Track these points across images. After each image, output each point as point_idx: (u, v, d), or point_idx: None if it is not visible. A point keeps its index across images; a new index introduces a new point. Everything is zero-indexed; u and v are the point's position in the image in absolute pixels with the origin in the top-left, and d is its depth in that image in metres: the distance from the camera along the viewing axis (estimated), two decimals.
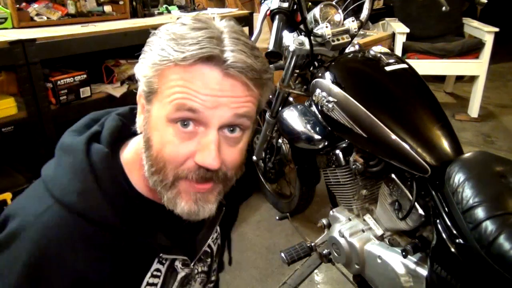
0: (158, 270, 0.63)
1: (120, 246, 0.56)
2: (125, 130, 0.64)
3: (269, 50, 1.04)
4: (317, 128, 1.23)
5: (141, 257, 0.60)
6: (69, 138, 0.61)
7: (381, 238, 1.14)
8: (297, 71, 1.40)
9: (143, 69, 0.54)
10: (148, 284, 0.61)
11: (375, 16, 3.78)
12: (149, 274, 0.61)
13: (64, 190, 0.55)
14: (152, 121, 0.54)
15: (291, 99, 1.58)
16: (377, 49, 1.18)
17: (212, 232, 0.74)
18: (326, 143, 1.22)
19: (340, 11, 1.29)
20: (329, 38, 1.22)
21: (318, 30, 1.24)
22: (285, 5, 1.09)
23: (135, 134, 0.63)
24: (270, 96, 1.77)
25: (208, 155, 0.52)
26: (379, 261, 1.10)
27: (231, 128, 0.55)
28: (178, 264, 0.67)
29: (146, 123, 0.56)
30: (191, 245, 0.69)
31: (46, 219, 0.53)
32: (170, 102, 0.52)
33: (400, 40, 3.09)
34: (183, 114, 0.51)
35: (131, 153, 0.62)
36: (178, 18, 0.56)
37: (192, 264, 0.70)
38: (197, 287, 0.75)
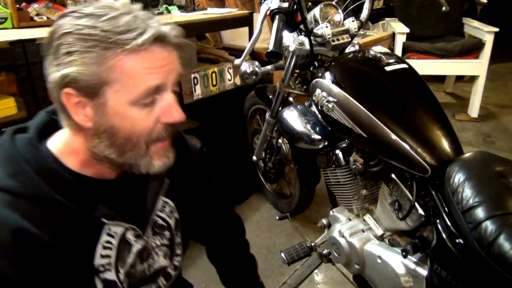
0: (109, 242, 0.66)
1: (60, 220, 0.60)
2: (53, 124, 0.68)
3: (269, 50, 1.04)
4: (317, 128, 1.23)
5: (85, 229, 0.63)
6: None
7: (381, 238, 1.14)
8: (297, 71, 1.40)
9: (78, 67, 0.56)
10: (102, 256, 0.64)
11: (375, 16, 3.78)
12: (99, 246, 0.64)
13: None
14: (111, 109, 0.58)
15: (291, 99, 1.58)
16: (377, 49, 1.18)
17: (156, 203, 0.76)
18: (326, 143, 1.22)
19: (340, 11, 1.29)
20: (329, 38, 1.22)
21: (318, 30, 1.24)
22: (285, 5, 1.09)
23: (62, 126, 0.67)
24: (270, 96, 1.78)
25: (176, 113, 0.61)
26: (379, 261, 1.10)
27: (173, 89, 0.63)
28: (130, 237, 0.69)
29: (101, 115, 0.59)
30: (139, 217, 0.72)
31: None
32: (137, 88, 0.57)
33: (400, 40, 3.09)
34: (152, 96, 0.59)
35: (60, 143, 0.65)
36: (67, 12, 0.58)
37: (146, 236, 0.73)
38: (162, 260, 0.77)
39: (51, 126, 0.68)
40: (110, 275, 0.66)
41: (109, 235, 0.66)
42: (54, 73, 0.57)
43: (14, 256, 0.56)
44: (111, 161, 0.63)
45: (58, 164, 0.63)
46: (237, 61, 1.34)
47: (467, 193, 0.84)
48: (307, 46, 1.24)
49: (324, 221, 1.37)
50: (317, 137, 1.22)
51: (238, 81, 2.09)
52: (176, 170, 0.73)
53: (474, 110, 3.27)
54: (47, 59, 0.59)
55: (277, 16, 1.09)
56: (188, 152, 0.85)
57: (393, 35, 3.18)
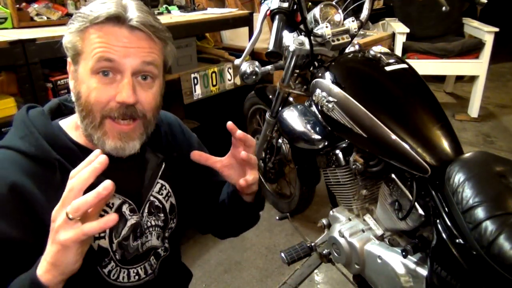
0: (105, 211, 0.71)
1: (58, 182, 0.64)
2: (64, 109, 0.78)
3: (269, 50, 1.04)
4: (317, 128, 1.23)
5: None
6: (14, 115, 0.74)
7: (381, 238, 1.14)
8: (297, 71, 1.40)
9: (68, 38, 0.67)
10: None
11: (375, 16, 3.78)
12: None
13: (8, 138, 0.68)
14: (80, 77, 0.67)
15: (291, 99, 1.58)
16: (377, 49, 1.18)
17: (153, 184, 0.80)
18: (326, 143, 1.22)
19: (340, 11, 1.29)
20: (329, 38, 1.22)
21: (318, 30, 1.24)
22: (285, 5, 1.09)
23: (71, 114, 0.75)
24: (270, 96, 1.78)
25: (125, 93, 0.65)
26: (379, 261, 1.10)
27: (144, 77, 0.69)
28: (125, 211, 0.75)
29: (75, 81, 0.68)
30: (136, 194, 0.77)
31: None
32: (92, 57, 0.64)
33: (400, 40, 3.09)
34: (102, 64, 0.65)
35: (69, 121, 0.74)
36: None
37: (141, 213, 0.77)
38: (154, 240, 0.81)
39: (61, 111, 0.77)
40: (104, 243, 0.72)
41: (106, 205, 0.71)
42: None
43: (9, 209, 0.61)
44: (84, 131, 0.69)
45: (63, 133, 0.71)
46: (237, 61, 1.34)
47: (467, 193, 0.84)
48: (307, 46, 1.24)
49: (324, 221, 1.37)
50: (317, 137, 1.22)
51: (238, 81, 2.09)
52: (170, 153, 0.81)
53: (474, 110, 3.27)
54: None
55: (277, 16, 1.09)
56: (175, 139, 0.87)
57: (393, 35, 3.18)
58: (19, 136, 0.67)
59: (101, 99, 0.66)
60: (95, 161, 0.54)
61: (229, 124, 0.73)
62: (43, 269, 0.55)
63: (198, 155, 0.76)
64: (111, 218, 0.52)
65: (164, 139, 0.83)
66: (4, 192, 0.61)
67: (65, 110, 0.78)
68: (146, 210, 0.79)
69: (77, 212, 0.51)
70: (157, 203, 0.81)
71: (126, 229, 0.75)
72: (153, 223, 0.80)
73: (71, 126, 0.73)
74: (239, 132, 0.72)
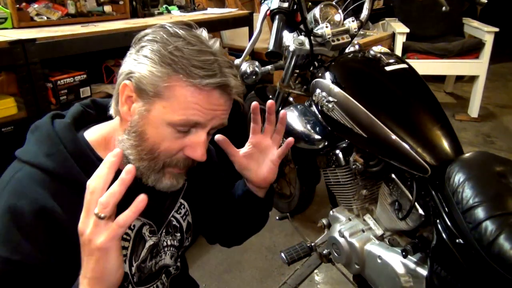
0: (127, 234, 0.70)
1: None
2: (87, 116, 0.74)
3: (269, 50, 1.04)
4: (317, 128, 1.23)
5: None
6: (35, 123, 0.70)
7: (381, 238, 1.14)
8: (297, 71, 1.40)
9: (146, 71, 0.61)
10: None
11: (375, 16, 3.78)
12: None
13: (33, 155, 0.63)
14: (151, 118, 0.63)
15: (291, 99, 1.58)
16: (377, 49, 1.18)
17: (175, 204, 0.79)
18: (326, 143, 1.22)
19: (340, 11, 1.28)
20: (329, 38, 1.22)
21: (318, 30, 1.24)
22: (285, 5, 1.09)
23: (95, 120, 0.73)
24: (270, 96, 1.77)
25: (200, 152, 0.65)
26: (379, 261, 1.10)
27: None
28: (145, 232, 0.73)
29: (141, 118, 0.64)
30: (157, 215, 0.76)
31: (18, 176, 0.62)
32: (180, 114, 0.61)
33: (400, 40, 3.09)
34: (189, 125, 0.63)
35: (96, 135, 0.70)
36: (170, 25, 0.65)
37: (160, 233, 0.77)
38: (167, 260, 0.80)
39: (85, 118, 0.74)
40: (124, 267, 0.68)
41: (128, 227, 0.67)
42: (128, 64, 0.64)
43: (34, 233, 0.58)
44: (127, 160, 0.66)
45: (91, 151, 0.67)
46: (237, 61, 1.34)
47: (467, 193, 0.84)
48: (307, 46, 1.24)
49: (324, 221, 1.37)
50: (317, 137, 1.22)
51: None
52: (192, 173, 0.76)
53: (474, 110, 3.27)
54: (130, 49, 0.66)
55: (277, 16, 1.09)
56: (210, 159, 0.86)
57: (393, 35, 3.18)
58: (45, 153, 0.63)
59: (171, 151, 0.65)
60: (109, 155, 0.52)
61: (270, 103, 0.76)
62: None
63: (222, 139, 0.76)
64: (140, 198, 0.50)
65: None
66: (32, 215, 0.58)
67: (88, 117, 0.74)
68: (164, 230, 0.78)
69: (106, 207, 0.49)
70: (175, 222, 0.80)
71: (145, 251, 0.73)
72: (169, 243, 0.79)
73: (99, 143, 0.69)
74: (283, 112, 0.77)
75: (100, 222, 0.49)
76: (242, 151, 0.80)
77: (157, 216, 0.75)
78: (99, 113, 0.76)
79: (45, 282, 0.59)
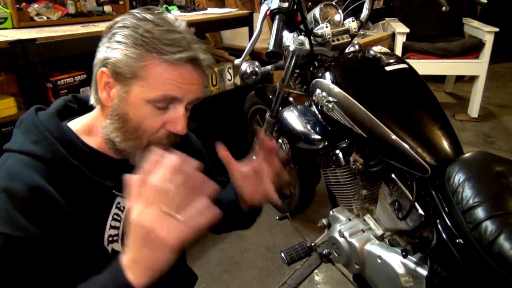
0: (117, 215, 0.72)
1: (75, 186, 0.66)
2: (69, 110, 0.78)
3: (269, 50, 1.04)
4: (317, 128, 1.23)
5: (98, 198, 0.69)
6: (20, 117, 0.72)
7: (381, 238, 1.14)
8: (297, 71, 1.40)
9: (124, 59, 0.65)
10: (111, 227, 0.71)
11: (375, 16, 3.78)
12: (110, 217, 0.71)
13: (20, 144, 0.66)
14: (130, 100, 0.66)
15: (291, 99, 1.58)
16: (377, 49, 1.18)
17: None
18: (326, 143, 1.22)
19: (340, 11, 1.28)
20: (329, 38, 1.22)
21: (318, 30, 1.24)
22: (285, 5, 1.09)
23: (78, 114, 0.77)
24: (270, 96, 1.78)
25: (180, 126, 0.68)
26: (379, 261, 1.10)
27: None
28: None
29: (121, 101, 0.67)
30: None
31: (7, 163, 0.64)
32: (157, 90, 0.65)
33: (400, 40, 3.09)
34: (167, 100, 0.66)
35: (79, 125, 0.73)
36: (137, 12, 0.69)
37: None
38: None
39: (68, 111, 0.77)
40: (117, 246, 0.72)
41: (118, 208, 0.72)
42: (102, 52, 0.68)
43: (30, 210, 0.60)
44: (113, 144, 0.69)
45: (76, 137, 0.70)
46: (237, 61, 1.34)
47: (467, 193, 0.84)
48: (307, 46, 1.24)
49: (324, 221, 1.37)
50: (317, 137, 1.22)
51: (238, 81, 2.09)
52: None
53: (474, 110, 3.27)
54: (102, 39, 0.69)
55: (277, 16, 1.09)
56: (191, 146, 0.91)
57: (393, 35, 3.18)
58: (32, 141, 0.66)
59: (153, 128, 0.67)
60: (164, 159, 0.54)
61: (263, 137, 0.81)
62: (138, 274, 0.53)
63: (225, 153, 0.78)
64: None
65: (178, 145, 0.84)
66: (25, 193, 0.61)
67: (70, 110, 0.78)
68: None
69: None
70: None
71: None
72: None
73: (83, 130, 0.72)
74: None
75: (174, 221, 0.52)
76: (242, 169, 0.81)
77: None
78: (81, 107, 0.79)
79: (46, 257, 0.61)
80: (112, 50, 0.66)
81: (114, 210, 0.71)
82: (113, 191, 0.71)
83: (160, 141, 0.69)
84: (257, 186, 0.81)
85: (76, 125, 0.73)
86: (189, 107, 0.72)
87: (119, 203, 0.72)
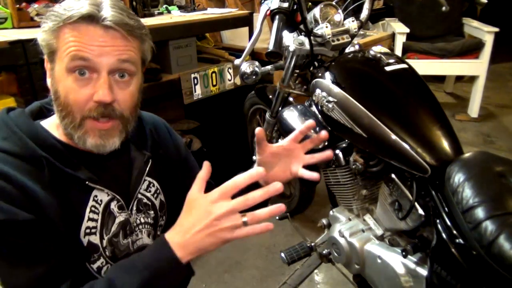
0: (95, 207, 0.73)
1: (48, 178, 0.67)
2: (46, 111, 0.78)
3: (269, 50, 1.04)
4: (317, 128, 1.23)
5: (74, 190, 0.70)
6: None
7: (381, 238, 1.14)
8: (297, 71, 1.40)
9: (43, 36, 0.68)
10: (89, 219, 0.72)
11: (375, 16, 3.77)
12: (88, 209, 0.72)
13: None
14: (56, 75, 0.67)
15: (291, 99, 1.58)
16: (377, 49, 1.18)
17: (141, 181, 0.81)
18: (326, 143, 1.22)
19: (340, 11, 1.28)
20: (329, 38, 1.22)
21: (318, 30, 1.24)
22: (285, 5, 1.09)
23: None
24: (270, 96, 1.78)
25: (102, 92, 0.66)
26: (379, 261, 1.10)
27: (121, 74, 0.69)
28: (114, 208, 0.76)
29: (52, 79, 0.69)
30: (124, 190, 0.78)
31: None
32: (66, 55, 0.65)
33: (400, 40, 3.09)
34: (77, 63, 0.65)
35: (50, 122, 0.74)
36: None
37: (130, 210, 0.79)
38: (145, 238, 0.82)
39: (42, 113, 0.77)
40: (95, 239, 0.73)
41: (95, 200, 0.73)
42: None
43: (12, 196, 0.62)
44: (64, 129, 0.70)
45: (46, 132, 0.71)
46: (237, 61, 1.34)
47: (467, 193, 0.84)
48: (307, 46, 1.24)
49: (324, 221, 1.37)
50: None
51: (238, 81, 2.09)
52: (156, 151, 0.83)
53: (474, 110, 3.27)
54: None
55: (277, 16, 1.09)
56: (156, 130, 0.90)
57: (393, 35, 3.18)
58: (2, 138, 0.67)
59: (80, 100, 0.67)
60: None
61: (323, 135, 0.90)
62: (186, 253, 0.62)
63: (261, 133, 0.82)
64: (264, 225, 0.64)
65: (149, 138, 0.85)
66: (2, 183, 0.62)
67: (47, 112, 0.78)
68: (134, 208, 0.80)
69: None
70: (145, 200, 0.82)
71: (116, 226, 0.76)
72: (142, 220, 0.82)
73: (53, 125, 0.73)
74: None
75: (240, 220, 0.61)
76: (273, 146, 0.86)
77: (124, 192, 0.78)
78: None
79: (31, 235, 0.63)
80: (39, 34, 0.69)
81: (91, 202, 0.72)
82: (87, 183, 0.71)
83: (91, 115, 0.68)
84: (282, 166, 0.87)
85: (47, 121, 0.74)
86: (117, 73, 0.69)
87: (96, 196, 0.73)
